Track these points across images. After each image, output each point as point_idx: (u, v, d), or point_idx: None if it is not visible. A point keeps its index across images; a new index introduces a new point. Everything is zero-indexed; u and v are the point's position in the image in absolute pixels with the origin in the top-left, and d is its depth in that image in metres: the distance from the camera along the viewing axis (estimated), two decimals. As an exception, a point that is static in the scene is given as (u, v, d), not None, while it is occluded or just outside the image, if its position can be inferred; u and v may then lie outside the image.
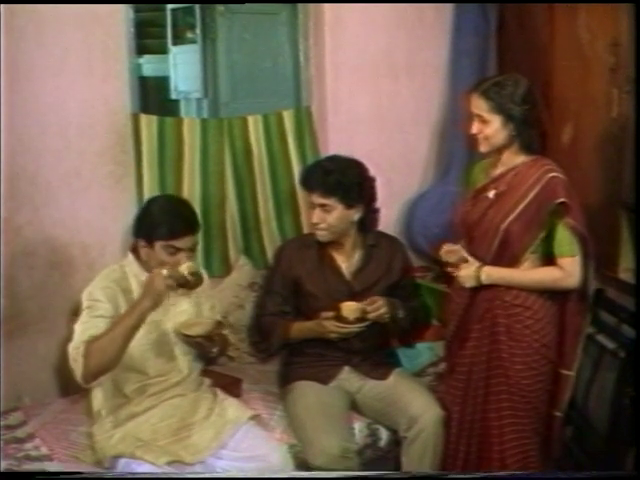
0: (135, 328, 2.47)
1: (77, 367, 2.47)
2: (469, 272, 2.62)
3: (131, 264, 2.67)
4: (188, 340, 2.61)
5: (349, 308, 2.77)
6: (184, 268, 2.51)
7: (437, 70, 3.84)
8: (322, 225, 2.88)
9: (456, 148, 3.75)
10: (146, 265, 2.63)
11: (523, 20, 3.61)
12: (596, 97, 3.11)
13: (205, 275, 2.86)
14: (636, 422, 2.68)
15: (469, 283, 2.63)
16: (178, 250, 2.58)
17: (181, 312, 2.69)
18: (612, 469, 2.79)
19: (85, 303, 2.58)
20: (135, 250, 2.68)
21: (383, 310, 2.81)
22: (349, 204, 2.86)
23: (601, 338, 3.00)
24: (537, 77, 3.33)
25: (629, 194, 2.94)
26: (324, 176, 2.84)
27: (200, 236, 3.35)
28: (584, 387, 3.04)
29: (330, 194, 2.83)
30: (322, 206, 2.85)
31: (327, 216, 2.86)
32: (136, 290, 2.61)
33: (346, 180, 2.84)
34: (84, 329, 2.51)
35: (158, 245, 2.58)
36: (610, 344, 2.95)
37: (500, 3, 3.74)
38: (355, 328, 2.79)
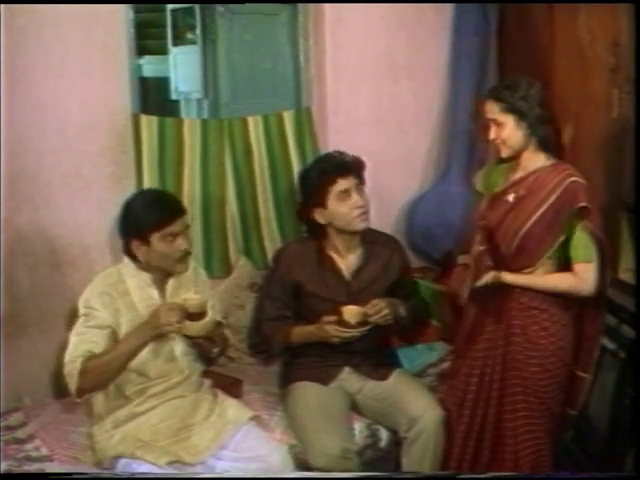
0: (132, 355, 2.50)
1: (71, 382, 2.48)
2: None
3: (127, 266, 2.64)
4: (188, 341, 2.61)
5: (351, 312, 2.76)
6: (191, 304, 2.49)
7: (437, 71, 3.84)
8: (367, 207, 2.91)
9: (456, 149, 3.75)
10: (145, 265, 2.62)
11: (523, 20, 3.60)
12: (596, 97, 3.11)
13: (205, 277, 2.86)
14: (636, 423, 2.68)
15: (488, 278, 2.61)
16: (175, 236, 2.57)
17: None
18: (612, 470, 2.79)
19: (81, 310, 2.56)
20: (129, 252, 2.64)
21: (385, 312, 2.81)
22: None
23: (601, 339, 3.00)
24: (537, 77, 3.31)
25: (629, 195, 2.94)
26: (355, 159, 2.92)
27: (200, 236, 3.38)
28: (584, 388, 3.04)
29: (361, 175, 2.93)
30: (358, 186, 2.91)
31: (363, 197, 2.90)
32: (134, 292, 2.60)
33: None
34: (80, 341, 2.51)
35: (155, 238, 2.55)
36: (610, 344, 2.95)
37: (500, 3, 3.74)
38: (357, 332, 2.79)
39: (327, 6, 3.55)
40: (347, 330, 2.77)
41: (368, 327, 2.79)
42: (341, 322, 2.77)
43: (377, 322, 2.80)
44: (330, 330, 2.80)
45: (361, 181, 2.93)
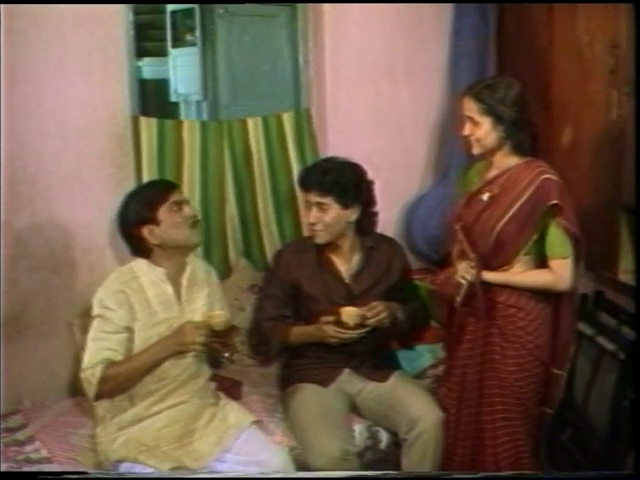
0: (153, 367, 2.52)
1: (90, 388, 2.48)
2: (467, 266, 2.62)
3: (139, 263, 2.64)
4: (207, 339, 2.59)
5: (349, 314, 2.76)
6: (217, 322, 2.49)
7: (436, 72, 3.84)
8: (318, 225, 2.89)
9: (455, 150, 3.74)
10: (159, 255, 2.61)
11: (522, 22, 3.61)
12: (595, 99, 3.11)
13: (216, 277, 2.85)
14: (636, 424, 2.68)
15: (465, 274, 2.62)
16: (180, 205, 2.62)
17: (194, 310, 2.65)
18: (612, 471, 2.79)
19: (96, 310, 2.54)
20: (139, 245, 2.62)
21: (383, 315, 2.81)
22: (345, 204, 2.88)
23: (601, 340, 3.00)
24: (536, 79, 3.34)
25: (628, 196, 2.94)
26: (321, 175, 2.86)
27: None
28: (584, 389, 3.05)
29: (326, 193, 2.85)
30: (318, 205, 2.87)
31: (323, 215, 2.87)
32: (148, 288, 2.59)
33: (343, 180, 2.86)
34: (98, 348, 2.49)
35: (163, 211, 2.58)
36: (610, 346, 2.95)
37: (499, 4, 3.74)
38: (355, 334, 2.78)
39: (326, 7, 3.56)
40: (345, 331, 2.77)
41: (366, 329, 2.79)
42: (339, 323, 2.77)
43: (375, 325, 2.80)
44: (328, 331, 2.80)
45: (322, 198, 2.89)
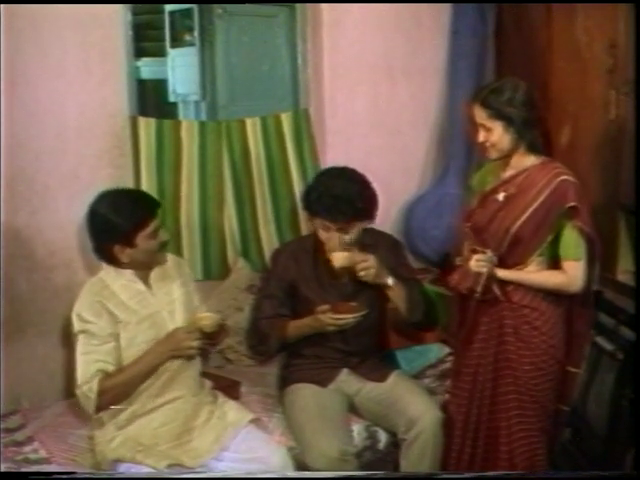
0: (149, 374, 2.52)
1: (89, 403, 2.47)
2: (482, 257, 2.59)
3: (107, 271, 2.59)
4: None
5: (338, 257, 2.82)
6: (206, 324, 2.49)
7: (435, 72, 3.84)
8: (347, 241, 2.89)
9: (454, 150, 3.75)
10: (127, 265, 2.56)
11: (521, 22, 3.61)
12: (594, 99, 3.11)
13: (187, 267, 2.83)
14: (635, 424, 2.68)
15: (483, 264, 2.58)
16: (157, 230, 2.55)
17: (173, 301, 2.64)
18: (610, 471, 2.79)
19: (77, 326, 2.52)
20: (108, 257, 2.56)
21: (370, 263, 2.81)
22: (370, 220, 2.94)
23: (599, 340, 3.00)
24: (535, 79, 3.33)
25: (627, 196, 2.94)
26: (349, 204, 2.83)
27: (198, 238, 3.39)
28: (582, 389, 3.04)
29: (356, 219, 2.86)
30: (341, 229, 2.86)
31: (346, 236, 2.87)
32: (121, 292, 2.56)
33: (366, 204, 2.89)
34: (88, 361, 2.48)
35: (141, 237, 2.50)
36: (608, 346, 2.95)
37: (498, 4, 3.74)
38: (352, 319, 2.78)
39: (325, 8, 3.56)
40: (342, 317, 2.77)
41: (362, 313, 2.77)
42: (335, 309, 2.78)
43: (361, 274, 2.81)
44: (324, 319, 2.78)
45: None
